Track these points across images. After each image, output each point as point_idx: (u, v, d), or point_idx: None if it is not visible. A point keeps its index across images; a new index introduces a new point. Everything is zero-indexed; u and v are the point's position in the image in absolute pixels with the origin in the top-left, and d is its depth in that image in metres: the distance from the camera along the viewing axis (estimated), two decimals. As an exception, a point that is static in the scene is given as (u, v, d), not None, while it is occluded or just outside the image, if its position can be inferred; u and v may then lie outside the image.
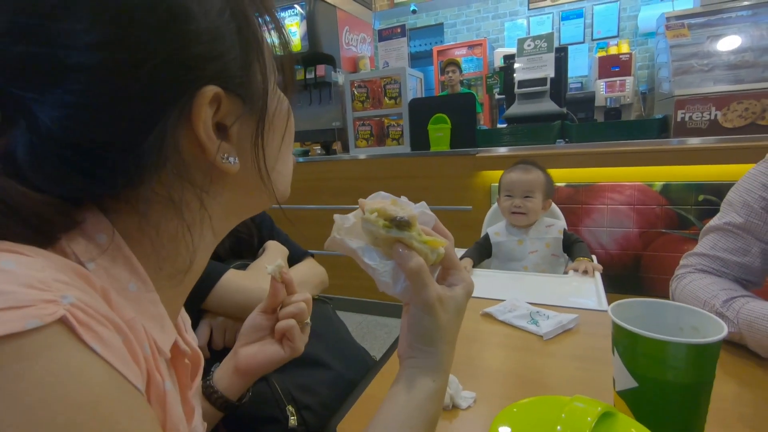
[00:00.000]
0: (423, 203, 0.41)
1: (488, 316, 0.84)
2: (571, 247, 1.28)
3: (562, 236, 1.31)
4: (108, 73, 0.25)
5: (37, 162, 0.26)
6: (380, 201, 0.37)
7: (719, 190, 1.79)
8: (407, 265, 0.35)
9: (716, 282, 0.73)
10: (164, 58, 0.26)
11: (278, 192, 0.37)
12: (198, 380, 0.41)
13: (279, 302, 0.53)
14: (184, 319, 0.41)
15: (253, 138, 0.32)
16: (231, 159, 0.31)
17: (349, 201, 2.51)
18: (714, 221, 0.79)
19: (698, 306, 0.72)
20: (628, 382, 0.43)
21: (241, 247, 0.86)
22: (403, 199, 0.41)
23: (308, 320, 0.53)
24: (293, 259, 0.94)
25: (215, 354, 0.70)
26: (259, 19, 0.33)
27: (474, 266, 1.23)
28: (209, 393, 0.53)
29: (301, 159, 2.69)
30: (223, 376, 0.54)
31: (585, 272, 1.11)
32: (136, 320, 0.27)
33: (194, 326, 0.70)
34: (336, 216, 0.39)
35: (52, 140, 0.25)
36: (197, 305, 0.67)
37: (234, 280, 0.69)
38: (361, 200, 0.38)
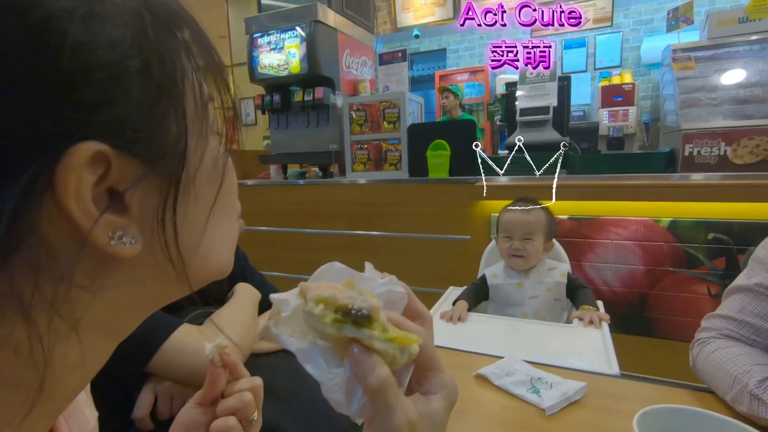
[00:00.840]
0: (392, 278, 0.31)
1: (482, 378, 0.73)
2: (575, 292, 1.18)
3: (565, 280, 1.20)
4: None
5: None
6: (327, 285, 0.27)
7: (730, 228, 1.70)
8: (366, 381, 0.26)
9: (747, 353, 0.63)
10: (13, 105, 0.18)
11: (202, 277, 0.27)
12: None
13: (219, 392, 0.41)
14: (82, 424, 0.31)
15: (159, 211, 0.23)
16: (126, 239, 0.22)
17: (344, 226, 2.43)
18: (741, 280, 0.69)
19: (727, 381, 0.62)
20: None
21: (205, 290, 0.77)
22: (368, 268, 0.31)
23: (255, 416, 0.42)
24: (267, 304, 0.84)
25: (160, 425, 0.60)
26: (184, 50, 0.24)
27: (470, 309, 1.13)
28: None
29: (301, 181, 2.63)
30: None
31: (590, 322, 1.01)
32: None
33: (136, 391, 0.61)
34: (272, 296, 0.29)
35: None
36: (138, 369, 0.57)
37: (185, 339, 0.59)
38: (302, 284, 0.29)
